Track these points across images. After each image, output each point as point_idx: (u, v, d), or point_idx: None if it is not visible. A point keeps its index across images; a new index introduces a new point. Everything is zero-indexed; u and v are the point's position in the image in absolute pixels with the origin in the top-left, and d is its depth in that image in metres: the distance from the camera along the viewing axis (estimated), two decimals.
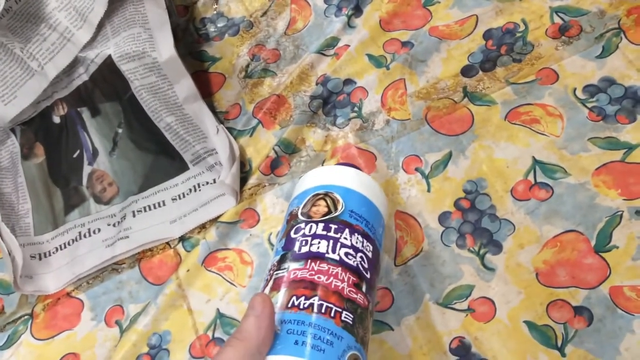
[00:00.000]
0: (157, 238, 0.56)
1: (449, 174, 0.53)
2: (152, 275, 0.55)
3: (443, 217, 0.51)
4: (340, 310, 0.33)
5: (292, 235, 0.37)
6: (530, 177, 0.51)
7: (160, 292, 0.53)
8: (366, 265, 0.37)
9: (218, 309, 0.52)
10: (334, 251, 0.35)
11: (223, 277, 0.53)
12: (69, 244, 0.58)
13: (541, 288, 0.47)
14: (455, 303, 0.47)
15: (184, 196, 0.58)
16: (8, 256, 0.54)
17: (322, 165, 0.56)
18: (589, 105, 0.53)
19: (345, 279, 0.34)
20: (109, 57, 0.58)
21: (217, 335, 0.50)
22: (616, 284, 0.45)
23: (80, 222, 0.59)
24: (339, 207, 0.38)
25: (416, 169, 0.54)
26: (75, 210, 0.60)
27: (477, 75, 0.57)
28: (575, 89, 0.54)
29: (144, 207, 0.58)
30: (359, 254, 0.36)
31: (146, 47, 0.57)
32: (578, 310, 0.45)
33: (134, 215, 0.57)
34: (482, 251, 0.49)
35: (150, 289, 0.54)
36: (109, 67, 0.58)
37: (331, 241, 0.36)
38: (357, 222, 0.38)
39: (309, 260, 0.35)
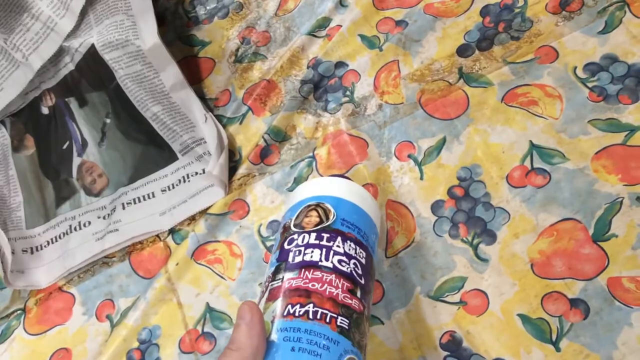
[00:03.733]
0: (147, 231, 0.55)
1: (442, 161, 0.51)
2: (142, 268, 0.54)
3: (436, 206, 0.49)
4: (335, 315, 0.33)
5: (286, 246, 0.38)
6: (527, 163, 0.49)
7: (150, 286, 0.52)
8: (360, 272, 0.37)
9: (208, 303, 0.51)
10: (327, 259, 0.36)
11: (212, 270, 0.52)
12: (60, 237, 0.57)
13: (536, 279, 0.45)
14: (447, 296, 0.46)
15: (173, 187, 0.57)
16: None
17: (314, 152, 0.55)
18: (590, 84, 0.50)
19: (340, 286, 0.35)
20: (93, 46, 0.56)
21: (206, 329, 0.50)
22: (614, 275, 0.43)
23: (71, 214, 0.58)
24: (331, 217, 0.38)
25: (409, 156, 0.52)
26: (66, 202, 0.59)
27: (473, 55, 0.55)
28: (575, 68, 0.51)
29: (134, 199, 0.57)
30: (352, 261, 0.37)
31: (129, 35, 0.55)
32: (574, 303, 0.43)
33: (123, 208, 0.57)
34: (475, 241, 0.47)
35: (141, 283, 0.53)
36: (93, 56, 0.57)
37: (324, 249, 0.36)
38: (349, 230, 0.38)
39: (303, 269, 0.35)
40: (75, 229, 0.57)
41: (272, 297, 0.35)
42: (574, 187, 0.47)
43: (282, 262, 0.37)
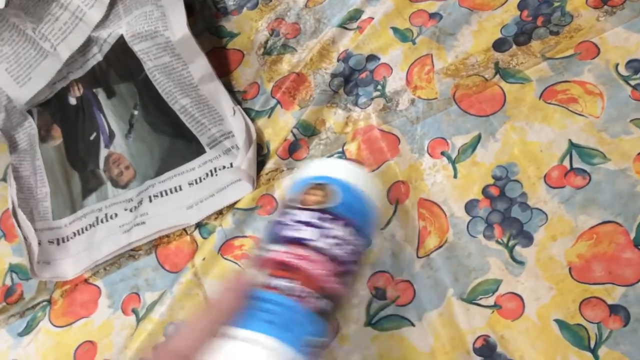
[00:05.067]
0: (174, 224, 0.54)
1: (477, 159, 0.50)
2: (169, 262, 0.53)
3: (470, 206, 0.48)
4: (317, 296, 0.33)
5: (282, 219, 0.37)
6: (566, 163, 0.47)
7: (176, 280, 0.51)
8: (351, 259, 0.36)
9: None
10: (319, 239, 0.35)
11: (240, 266, 0.51)
12: (86, 229, 0.57)
13: (574, 284, 0.43)
14: (481, 299, 0.45)
15: (200, 181, 0.56)
16: (24, 242, 0.54)
17: (343, 148, 0.53)
18: (633, 82, 0.48)
19: (327, 268, 0.34)
20: (122, 37, 0.56)
21: None
22: None
23: (98, 206, 0.58)
24: (334, 199, 0.37)
25: (442, 153, 0.51)
26: (92, 194, 0.59)
27: (510, 50, 0.53)
28: (617, 65, 0.49)
29: (161, 192, 0.56)
30: (345, 247, 0.36)
31: (159, 26, 0.54)
32: (614, 309, 0.42)
33: (150, 200, 0.56)
34: (511, 243, 0.46)
35: (167, 277, 0.53)
36: (122, 47, 0.56)
37: (319, 230, 0.35)
38: (349, 216, 0.37)
39: (295, 245, 0.35)
40: (101, 221, 0.57)
41: (259, 265, 0.34)
42: (615, 189, 0.45)
43: (275, 234, 0.36)
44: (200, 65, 0.55)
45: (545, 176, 0.47)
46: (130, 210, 0.57)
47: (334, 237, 0.35)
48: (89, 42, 0.58)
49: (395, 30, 0.57)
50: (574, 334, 0.42)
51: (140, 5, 0.56)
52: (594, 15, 0.52)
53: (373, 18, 0.58)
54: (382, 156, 0.52)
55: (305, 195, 0.38)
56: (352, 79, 0.57)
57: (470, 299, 0.45)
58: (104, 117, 0.60)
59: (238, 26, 0.64)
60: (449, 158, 0.50)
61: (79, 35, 0.57)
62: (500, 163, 0.49)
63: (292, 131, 0.55)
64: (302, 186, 0.39)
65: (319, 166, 0.41)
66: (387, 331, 0.46)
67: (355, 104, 0.55)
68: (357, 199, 0.38)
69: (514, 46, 0.53)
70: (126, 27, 0.56)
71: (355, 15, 0.59)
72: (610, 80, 0.49)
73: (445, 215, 0.48)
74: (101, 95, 0.60)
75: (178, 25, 0.55)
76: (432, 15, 0.57)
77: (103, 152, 0.60)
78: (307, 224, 0.36)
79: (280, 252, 0.34)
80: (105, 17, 0.57)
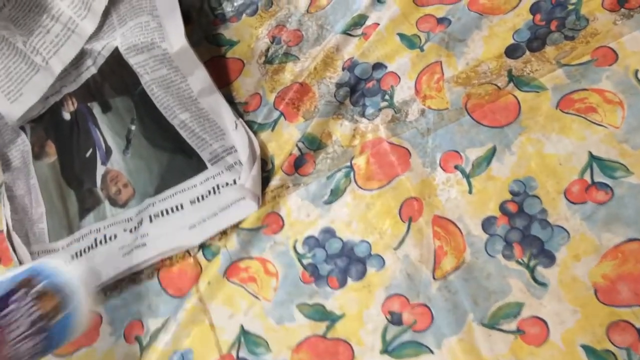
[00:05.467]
0: (176, 246, 0.52)
1: (493, 173, 0.47)
2: (172, 286, 0.51)
3: (487, 223, 0.46)
4: None
5: (13, 297, 0.39)
6: (587, 176, 0.45)
7: (181, 306, 0.49)
8: None
9: (242, 325, 0.48)
10: (20, 339, 0.38)
11: (246, 290, 0.49)
12: (85, 251, 0.55)
13: (600, 307, 0.41)
14: (503, 323, 0.43)
15: (202, 199, 0.54)
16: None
17: (351, 162, 0.51)
18: None
19: None
20: (116, 49, 0.53)
21: (241, 355, 0.47)
22: None
23: (96, 227, 0.56)
24: (58, 315, 0.40)
25: (456, 167, 0.48)
26: (90, 214, 0.56)
27: (523, 56, 0.51)
28: (637, 71, 0.47)
29: (161, 211, 0.54)
30: (34, 355, 0.39)
31: (155, 38, 0.52)
32: None
33: (150, 220, 0.54)
34: (532, 263, 0.44)
35: (170, 302, 0.50)
36: (117, 59, 0.54)
37: (28, 331, 0.38)
38: (56, 335, 0.40)
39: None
40: (100, 243, 0.55)
41: None
42: (639, 204, 0.43)
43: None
44: (199, 78, 0.53)
45: (565, 191, 0.45)
46: (130, 231, 0.54)
47: (35, 344, 0.39)
48: (82, 55, 0.56)
49: (402, 36, 0.55)
50: None
51: (135, 16, 0.53)
52: (611, 18, 0.50)
53: (378, 24, 0.56)
54: (393, 171, 0.50)
55: (37, 298, 0.40)
56: (358, 89, 0.54)
57: (492, 324, 0.43)
58: (99, 132, 0.58)
59: (237, 34, 0.61)
60: (462, 172, 0.48)
61: (72, 48, 0.55)
62: (517, 177, 0.47)
63: (297, 145, 0.53)
64: (44, 277, 0.41)
65: (63, 269, 0.43)
66: (405, 359, 0.44)
67: (363, 115, 0.53)
68: (73, 323, 0.41)
69: (528, 52, 0.51)
70: (121, 38, 0.53)
71: (359, 20, 0.57)
72: (630, 88, 0.47)
73: (462, 233, 0.46)
74: (96, 109, 0.58)
75: (175, 36, 0.52)
76: (440, 20, 0.55)
77: (100, 170, 0.57)
78: (24, 320, 0.38)
79: None
80: (99, 28, 0.55)
